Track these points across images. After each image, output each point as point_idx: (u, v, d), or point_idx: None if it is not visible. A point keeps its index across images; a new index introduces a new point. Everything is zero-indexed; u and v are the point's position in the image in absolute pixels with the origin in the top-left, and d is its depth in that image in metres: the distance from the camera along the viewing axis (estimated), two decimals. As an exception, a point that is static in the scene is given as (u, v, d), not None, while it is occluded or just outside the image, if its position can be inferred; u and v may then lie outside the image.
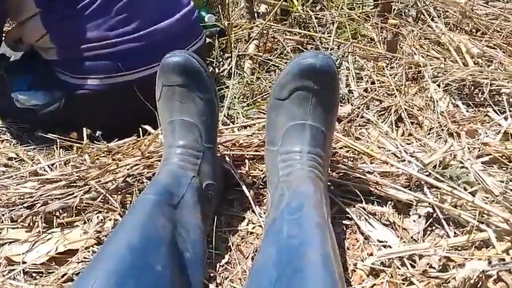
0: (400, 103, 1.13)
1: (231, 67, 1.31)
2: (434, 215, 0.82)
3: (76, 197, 0.87)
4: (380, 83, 1.24)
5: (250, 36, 1.45)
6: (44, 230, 0.84)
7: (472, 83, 1.21)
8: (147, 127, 1.00)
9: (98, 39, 1.05)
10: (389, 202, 0.86)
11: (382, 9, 1.45)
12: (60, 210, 0.87)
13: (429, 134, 1.07)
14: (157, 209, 0.68)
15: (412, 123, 1.11)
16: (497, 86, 1.20)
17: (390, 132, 1.06)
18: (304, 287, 0.56)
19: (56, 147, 1.04)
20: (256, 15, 1.56)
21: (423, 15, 1.59)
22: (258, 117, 1.12)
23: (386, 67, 1.30)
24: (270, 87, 1.23)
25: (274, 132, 0.81)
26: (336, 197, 0.87)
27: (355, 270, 0.75)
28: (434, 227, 0.82)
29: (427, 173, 0.88)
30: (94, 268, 0.58)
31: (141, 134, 1.00)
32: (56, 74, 1.12)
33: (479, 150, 0.98)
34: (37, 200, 0.87)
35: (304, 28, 1.51)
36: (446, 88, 1.21)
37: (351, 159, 0.96)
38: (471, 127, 1.07)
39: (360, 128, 1.10)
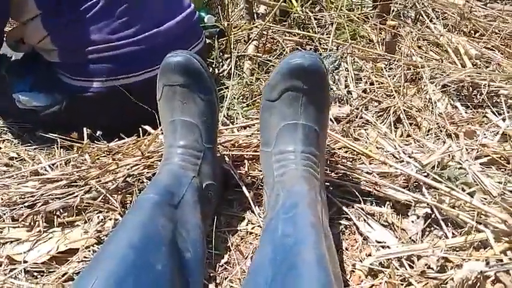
0: (399, 104, 1.13)
1: (231, 68, 1.31)
2: (433, 216, 0.82)
3: (76, 196, 0.87)
4: (378, 84, 1.25)
5: (250, 37, 1.45)
6: (44, 230, 0.85)
7: (470, 84, 1.22)
8: (147, 127, 1.01)
9: (100, 42, 1.05)
10: (388, 203, 0.86)
11: (381, 11, 1.45)
12: (61, 210, 0.87)
13: (427, 135, 1.07)
14: (158, 209, 0.68)
15: (411, 124, 1.11)
16: (495, 87, 1.20)
17: (388, 133, 1.06)
18: (298, 285, 0.57)
19: (57, 147, 1.05)
20: (255, 16, 1.56)
21: (422, 16, 1.59)
22: (257, 118, 1.12)
23: (385, 68, 1.30)
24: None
25: (267, 134, 0.82)
26: (335, 197, 0.88)
27: (354, 271, 0.76)
28: (432, 228, 0.82)
29: (425, 174, 0.89)
30: (94, 267, 0.58)
31: (141, 134, 1.01)
32: (57, 75, 1.12)
33: (477, 152, 0.98)
34: (38, 200, 0.88)
35: (304, 29, 1.52)
36: (445, 89, 1.21)
37: (350, 159, 0.96)
38: (469, 128, 1.07)
39: (359, 129, 1.10)
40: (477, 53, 1.33)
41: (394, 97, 1.18)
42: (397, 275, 0.73)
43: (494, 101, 1.19)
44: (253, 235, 0.84)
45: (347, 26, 1.45)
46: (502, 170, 0.95)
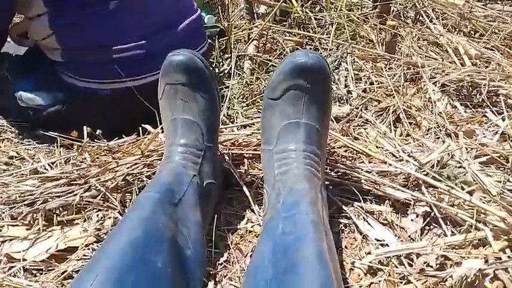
0: (398, 103, 1.14)
1: (231, 67, 1.32)
2: (432, 214, 0.83)
3: (76, 195, 0.87)
4: (378, 84, 1.25)
5: (250, 36, 1.45)
6: (44, 228, 0.85)
7: (469, 83, 1.22)
8: (147, 126, 1.01)
9: (105, 44, 1.05)
10: (387, 201, 0.87)
11: (381, 11, 1.45)
12: (61, 208, 0.87)
13: (427, 134, 1.07)
14: (159, 207, 0.68)
15: (410, 123, 1.11)
16: (494, 87, 1.21)
17: (388, 132, 1.06)
18: (298, 282, 0.57)
19: (57, 146, 1.04)
20: (255, 16, 1.56)
21: (422, 16, 1.60)
22: (257, 117, 1.12)
23: (385, 68, 1.30)
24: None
25: (269, 132, 0.82)
26: (335, 196, 0.88)
27: (353, 269, 0.76)
28: (431, 226, 0.82)
29: (425, 173, 0.89)
30: (95, 264, 0.58)
31: (141, 133, 1.01)
32: (60, 75, 1.11)
33: (476, 151, 0.98)
34: (37, 198, 0.88)
35: (304, 29, 1.52)
36: (444, 89, 1.21)
37: (350, 158, 0.96)
38: (469, 127, 1.07)
39: (359, 128, 1.10)
40: (477, 52, 1.34)
41: (394, 97, 1.18)
42: (396, 273, 0.73)
43: (493, 100, 1.20)
44: (253, 233, 0.84)
45: (347, 26, 1.46)
46: (501, 169, 0.95)
